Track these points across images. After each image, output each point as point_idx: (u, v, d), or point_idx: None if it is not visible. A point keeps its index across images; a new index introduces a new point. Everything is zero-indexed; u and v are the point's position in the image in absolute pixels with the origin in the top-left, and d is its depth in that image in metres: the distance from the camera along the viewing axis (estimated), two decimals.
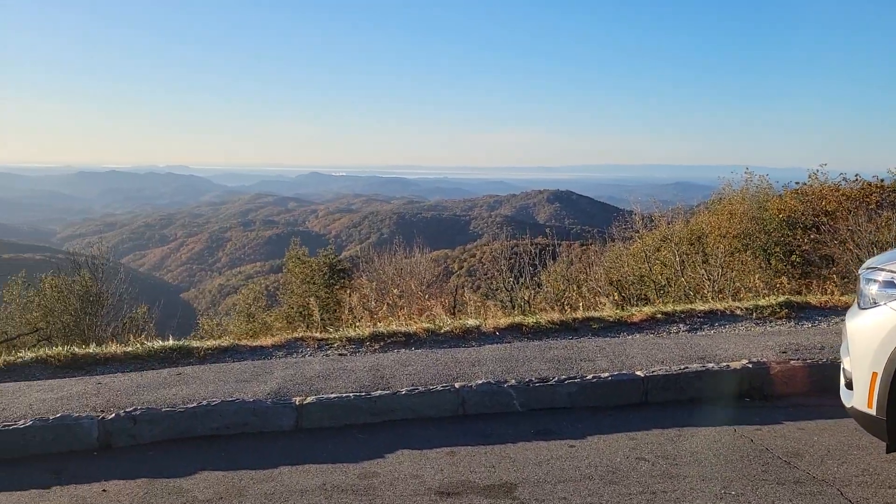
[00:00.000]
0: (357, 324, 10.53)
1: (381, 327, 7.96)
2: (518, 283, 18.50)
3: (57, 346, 7.44)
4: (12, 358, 6.93)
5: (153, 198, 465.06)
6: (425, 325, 7.93)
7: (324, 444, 5.19)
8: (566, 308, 12.37)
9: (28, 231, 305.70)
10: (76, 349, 7.20)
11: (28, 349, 7.32)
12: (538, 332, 7.89)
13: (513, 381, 5.96)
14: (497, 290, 20.26)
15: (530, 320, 8.12)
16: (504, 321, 8.13)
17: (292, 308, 26.83)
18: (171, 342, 7.42)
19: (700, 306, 8.84)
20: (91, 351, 7.18)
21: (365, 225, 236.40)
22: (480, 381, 5.94)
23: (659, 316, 8.28)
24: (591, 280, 18.63)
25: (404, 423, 5.56)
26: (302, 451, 5.04)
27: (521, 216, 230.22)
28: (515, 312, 11.98)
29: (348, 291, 24.77)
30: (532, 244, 21.51)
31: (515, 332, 7.92)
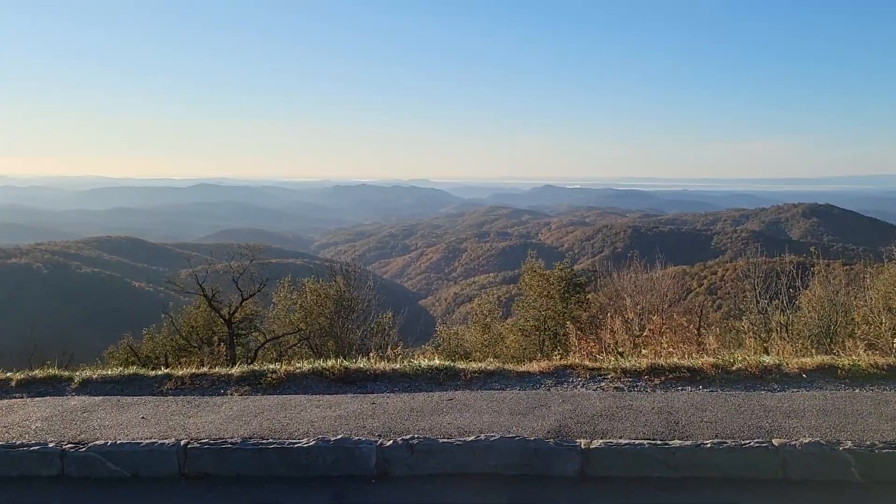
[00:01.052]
0: (619, 347, 9.69)
1: (661, 360, 7.05)
2: (771, 304, 16.46)
3: (329, 359, 7.52)
4: (292, 368, 7.10)
5: (398, 209, 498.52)
6: (712, 360, 6.90)
7: (614, 498, 4.48)
8: (838, 340, 10.51)
9: (291, 238, 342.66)
10: (348, 363, 7.21)
11: (306, 361, 7.47)
12: (857, 378, 6.51)
13: (848, 442, 4.79)
14: (746, 311, 18.29)
15: (845, 362, 6.74)
16: (810, 360, 6.84)
17: (528, 321, 26.48)
18: (437, 362, 7.18)
19: None
20: (362, 366, 7.15)
21: (598, 238, 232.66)
22: (806, 440, 4.84)
23: None
24: (864, 306, 15.97)
25: (711, 484, 4.66)
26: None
27: (772, 232, 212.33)
28: (780, 339, 10.39)
29: (593, 309, 23.92)
30: (786, 262, 19.20)
31: (827, 374, 6.61)
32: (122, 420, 5.68)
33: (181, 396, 6.49)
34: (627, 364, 7.01)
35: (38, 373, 7.40)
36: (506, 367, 7.15)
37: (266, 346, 25.76)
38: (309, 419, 5.52)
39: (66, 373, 7.45)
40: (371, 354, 10.05)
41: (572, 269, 29.95)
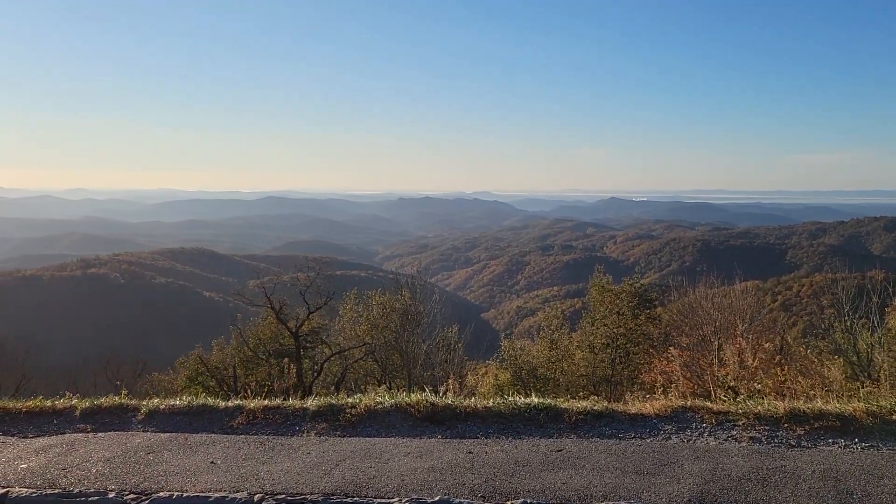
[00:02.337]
0: (728, 379, 8.64)
1: (802, 403, 6.02)
2: (858, 323, 15.00)
3: (415, 393, 6.77)
4: (372, 403, 6.38)
5: (461, 222, 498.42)
6: (863, 406, 5.84)
7: None
8: None
9: (356, 250, 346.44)
10: (434, 399, 6.44)
11: (387, 395, 6.74)
12: None
13: None
14: (829, 329, 16.85)
15: None
16: None
17: (597, 338, 25.38)
18: (536, 400, 6.35)
19: None
20: (450, 402, 6.38)
21: (665, 252, 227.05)
22: None
23: None
24: None
25: None
26: None
27: (851, 246, 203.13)
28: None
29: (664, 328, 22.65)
30: (875, 278, 17.66)
31: None
32: (189, 464, 5.04)
33: (253, 435, 5.83)
34: (760, 408, 6.02)
35: (104, 401, 6.91)
36: (615, 407, 6.27)
37: (332, 358, 25.42)
38: (398, 471, 4.76)
39: (133, 401, 6.93)
40: (449, 381, 9.29)
41: (642, 285, 28.65)
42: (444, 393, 7.20)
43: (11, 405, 6.96)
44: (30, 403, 6.94)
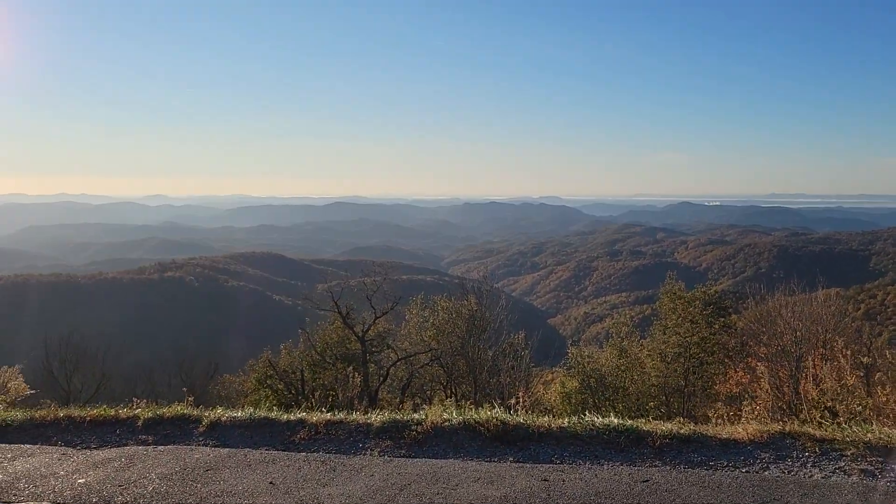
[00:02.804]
0: (826, 399, 7.90)
1: None
2: None
3: (484, 409, 6.37)
4: (439, 420, 6.01)
5: (527, 227, 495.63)
6: None
7: None
8: None
9: (422, 255, 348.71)
10: (506, 418, 6.03)
11: (455, 411, 6.36)
12: None
13: None
14: None
15: None
16: None
17: (669, 347, 24.51)
18: (615, 421, 5.86)
19: None
20: (522, 421, 5.95)
21: (739, 258, 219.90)
22: None
23: None
24: None
25: None
26: None
27: None
28: None
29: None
30: None
31: None
32: (247, 484, 4.78)
33: (314, 453, 5.55)
34: (870, 435, 5.38)
35: (166, 411, 6.79)
36: (703, 430, 5.72)
37: (398, 363, 25.41)
38: (467, 499, 4.38)
39: (196, 412, 6.78)
40: (519, 394, 8.85)
41: (716, 292, 27.62)
42: (514, 407, 6.80)
43: (77, 413, 6.93)
44: (94, 412, 6.89)
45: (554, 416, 6.26)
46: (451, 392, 26.28)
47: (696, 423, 6.10)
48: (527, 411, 6.79)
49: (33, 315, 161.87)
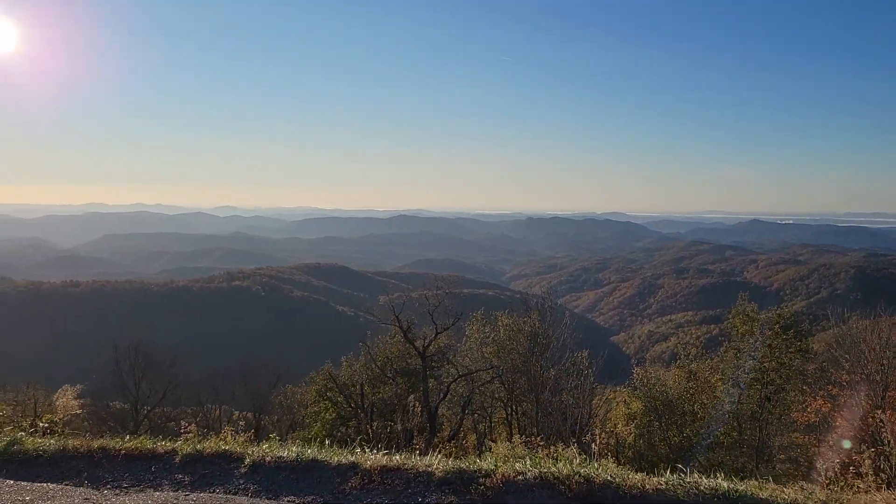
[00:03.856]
0: None
1: None
2: None
3: (563, 462, 5.78)
4: (511, 473, 5.46)
5: (591, 242, 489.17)
6: None
7: None
8: None
9: (483, 269, 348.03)
10: (590, 473, 5.39)
11: (528, 460, 5.80)
12: None
13: None
14: None
15: None
16: None
17: (743, 371, 23.40)
18: (724, 484, 5.16)
19: None
20: (609, 479, 5.30)
21: (814, 279, 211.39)
22: None
23: None
24: None
25: None
26: None
27: None
28: None
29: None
30: None
31: None
32: None
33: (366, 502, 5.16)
34: None
35: (206, 447, 6.48)
36: (840, 498, 4.99)
37: (458, 380, 25.07)
38: None
39: (238, 449, 6.46)
40: (598, 436, 8.31)
41: (792, 314, 26.38)
42: (591, 448, 6.25)
43: (112, 445, 6.65)
44: (130, 444, 6.62)
45: (648, 474, 5.59)
46: (513, 410, 25.77)
47: (825, 486, 5.39)
48: (602, 449, 6.24)
49: (108, 319, 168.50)
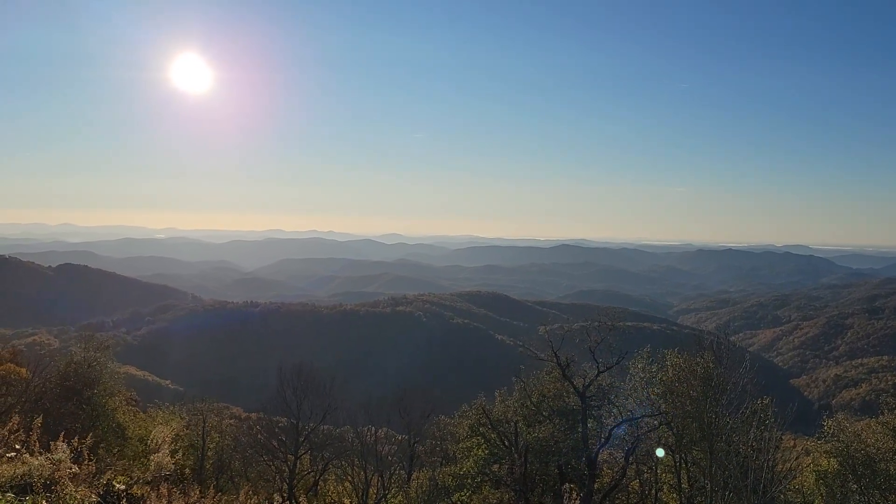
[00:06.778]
0: None
1: None
2: None
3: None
4: None
5: (768, 277, 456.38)
6: None
7: None
8: None
9: (648, 302, 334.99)
10: None
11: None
12: None
13: None
14: None
15: None
16: None
17: None
18: None
19: None
20: None
21: None
22: None
23: None
24: None
25: None
26: None
27: None
28: None
29: None
30: None
31: None
32: None
33: None
34: None
35: None
36: None
37: (622, 425, 23.31)
38: None
39: None
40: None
41: None
42: None
43: None
44: None
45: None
46: (682, 458, 23.46)
47: None
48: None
49: (282, 338, 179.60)
